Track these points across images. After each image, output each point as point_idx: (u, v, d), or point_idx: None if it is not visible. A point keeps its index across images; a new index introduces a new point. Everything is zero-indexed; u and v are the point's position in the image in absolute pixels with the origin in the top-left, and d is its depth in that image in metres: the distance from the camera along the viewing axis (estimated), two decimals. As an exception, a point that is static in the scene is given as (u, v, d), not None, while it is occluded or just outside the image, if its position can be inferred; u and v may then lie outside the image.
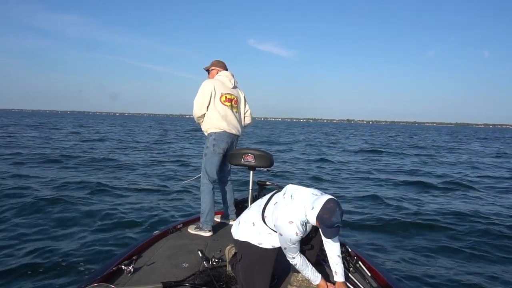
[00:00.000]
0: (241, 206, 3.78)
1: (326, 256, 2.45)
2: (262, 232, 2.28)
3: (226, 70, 3.63)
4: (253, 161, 3.34)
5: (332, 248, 2.33)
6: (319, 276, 2.32)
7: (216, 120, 3.40)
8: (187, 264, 2.70)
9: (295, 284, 2.40)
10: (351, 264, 2.66)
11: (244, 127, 3.76)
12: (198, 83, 3.49)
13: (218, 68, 3.61)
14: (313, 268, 2.32)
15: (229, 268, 2.57)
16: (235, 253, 2.54)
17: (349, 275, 2.52)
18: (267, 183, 3.74)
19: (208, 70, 3.68)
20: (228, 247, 2.66)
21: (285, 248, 2.21)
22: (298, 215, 2.12)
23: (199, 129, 3.70)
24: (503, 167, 14.21)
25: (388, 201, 7.45)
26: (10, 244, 4.46)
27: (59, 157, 12.70)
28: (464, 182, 10.10)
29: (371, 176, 11.06)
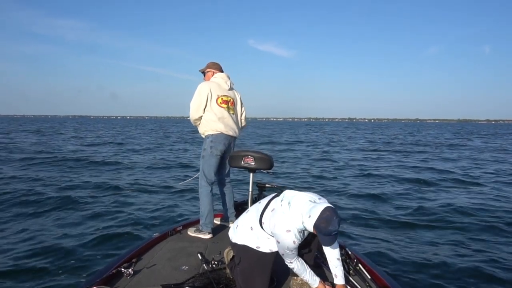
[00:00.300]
0: (240, 209, 3.77)
1: (325, 259, 2.45)
2: (260, 236, 2.28)
3: (222, 72, 3.63)
4: (253, 163, 3.33)
5: (331, 251, 2.32)
6: (317, 279, 2.31)
7: (213, 122, 3.41)
8: (187, 267, 2.70)
9: (295, 287, 2.40)
10: (351, 267, 2.65)
11: (240, 129, 3.75)
12: (197, 84, 3.49)
13: (214, 70, 3.60)
14: (311, 271, 2.31)
15: (228, 270, 2.57)
16: (233, 256, 2.54)
17: (349, 277, 2.51)
18: (267, 185, 3.73)
19: (203, 72, 3.68)
20: (227, 250, 2.66)
21: (283, 254, 2.22)
22: (296, 223, 2.12)
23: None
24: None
25: (389, 199, 7.45)
26: (10, 244, 4.48)
27: (63, 160, 12.84)
28: (467, 179, 10.09)
29: (373, 173, 11.08)
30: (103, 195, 7.39)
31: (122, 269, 2.51)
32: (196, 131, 3.66)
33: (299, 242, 2.17)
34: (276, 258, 2.30)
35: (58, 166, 11.73)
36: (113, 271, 2.50)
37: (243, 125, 3.79)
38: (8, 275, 3.71)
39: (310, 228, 2.08)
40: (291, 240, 2.11)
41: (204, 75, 3.67)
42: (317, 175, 10.76)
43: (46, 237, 4.83)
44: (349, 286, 2.38)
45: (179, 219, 5.59)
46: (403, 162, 14.40)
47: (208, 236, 3.37)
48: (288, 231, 2.11)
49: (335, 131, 53.16)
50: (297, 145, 24.00)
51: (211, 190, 3.46)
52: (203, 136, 3.52)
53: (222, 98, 3.46)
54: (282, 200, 2.23)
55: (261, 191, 3.73)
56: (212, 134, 3.43)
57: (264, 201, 2.38)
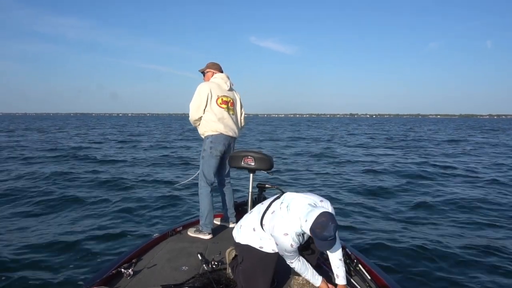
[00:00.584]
0: (240, 209, 3.78)
1: (326, 260, 2.45)
2: (262, 237, 2.30)
3: (222, 72, 3.63)
4: (253, 163, 3.33)
5: (333, 252, 2.33)
6: (320, 278, 2.32)
7: (212, 122, 3.41)
8: (187, 267, 2.71)
9: (296, 287, 2.42)
10: (351, 267, 2.66)
11: (240, 129, 3.76)
12: (197, 81, 3.50)
13: (214, 70, 3.60)
14: (314, 271, 2.33)
15: (229, 270, 2.58)
16: (236, 255, 2.56)
17: (349, 278, 2.52)
18: (267, 185, 3.74)
19: (203, 72, 3.68)
20: (228, 250, 2.67)
21: (283, 255, 2.24)
22: (294, 227, 2.13)
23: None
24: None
25: (390, 194, 7.47)
26: (9, 244, 4.49)
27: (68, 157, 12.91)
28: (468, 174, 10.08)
29: (375, 169, 11.09)
30: (104, 194, 7.38)
31: (122, 270, 2.52)
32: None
33: (298, 245, 2.18)
34: (278, 258, 2.32)
35: (65, 163, 11.81)
36: (113, 271, 2.51)
37: (242, 125, 3.80)
38: (8, 274, 3.71)
39: (308, 232, 2.09)
40: (288, 243, 2.13)
41: (204, 75, 3.67)
42: (319, 172, 10.76)
43: (46, 237, 4.83)
44: (350, 286, 2.40)
45: (179, 220, 5.60)
46: (403, 157, 14.38)
47: (208, 237, 3.38)
48: (286, 234, 2.12)
49: (336, 127, 53.09)
50: (299, 141, 24.02)
51: (211, 191, 3.47)
52: (203, 137, 3.53)
53: (222, 99, 3.46)
54: (282, 203, 2.25)
55: (261, 192, 3.74)
56: (212, 135, 3.43)
57: (266, 202, 2.41)
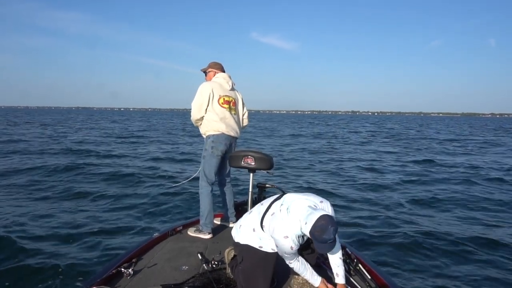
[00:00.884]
0: (241, 209, 3.78)
1: (326, 259, 2.45)
2: (262, 237, 2.30)
3: (224, 71, 3.61)
4: (253, 163, 3.32)
5: (334, 251, 2.33)
6: (319, 278, 2.32)
7: (214, 122, 3.41)
8: (187, 267, 2.71)
9: (296, 286, 2.42)
10: (351, 267, 2.66)
11: (241, 129, 3.75)
12: (198, 78, 3.48)
13: (216, 70, 3.59)
14: (313, 270, 2.33)
15: (228, 270, 2.58)
16: (235, 255, 2.56)
17: (349, 277, 2.53)
18: (267, 185, 3.73)
19: (205, 72, 3.66)
20: (228, 250, 2.67)
21: (283, 256, 2.25)
22: (294, 229, 2.12)
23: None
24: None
25: (391, 194, 7.46)
26: (9, 243, 4.48)
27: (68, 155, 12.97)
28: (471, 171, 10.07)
29: (376, 166, 11.10)
30: (102, 194, 7.33)
31: (122, 269, 2.52)
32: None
33: (298, 247, 2.18)
34: (277, 258, 2.32)
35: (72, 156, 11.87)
36: (113, 271, 2.51)
37: (245, 124, 3.79)
38: (7, 274, 3.71)
39: (308, 235, 2.09)
40: (288, 245, 2.13)
41: (206, 75, 3.66)
42: (321, 170, 10.76)
43: (45, 237, 4.81)
44: (349, 286, 2.40)
45: (179, 219, 5.59)
46: (406, 155, 14.37)
47: (208, 236, 3.38)
48: (286, 237, 2.12)
49: (338, 124, 53.02)
50: (301, 137, 24.01)
51: (212, 191, 3.46)
52: (204, 136, 3.52)
53: (223, 98, 3.45)
54: (282, 204, 2.24)
55: (261, 192, 3.74)
56: (213, 134, 3.43)
57: (266, 203, 2.40)
